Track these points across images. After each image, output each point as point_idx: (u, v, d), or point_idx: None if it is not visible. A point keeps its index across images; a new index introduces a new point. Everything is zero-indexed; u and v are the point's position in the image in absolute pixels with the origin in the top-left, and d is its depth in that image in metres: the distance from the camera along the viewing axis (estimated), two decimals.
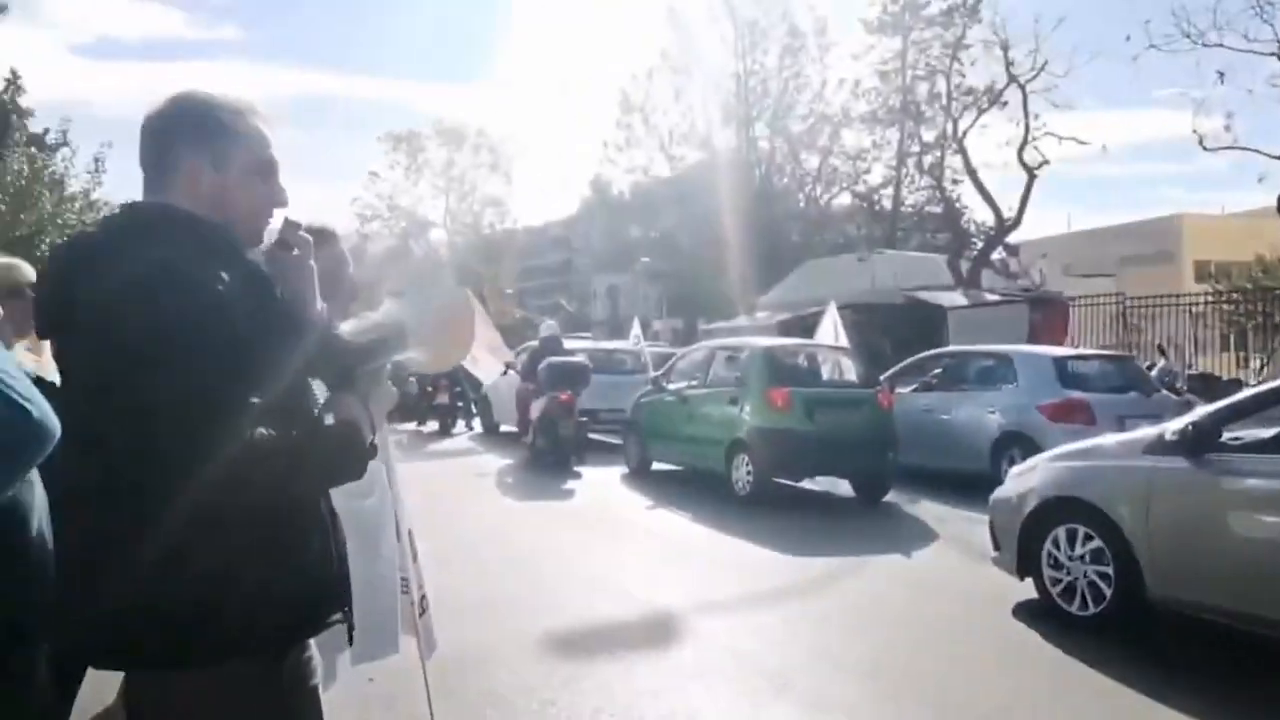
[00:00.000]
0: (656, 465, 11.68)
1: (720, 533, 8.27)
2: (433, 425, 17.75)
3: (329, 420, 1.82)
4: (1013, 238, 24.86)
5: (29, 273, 2.91)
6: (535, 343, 14.47)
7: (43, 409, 1.62)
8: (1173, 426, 5.28)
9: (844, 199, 38.19)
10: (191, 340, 1.55)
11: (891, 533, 8.58)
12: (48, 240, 19.90)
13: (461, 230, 60.43)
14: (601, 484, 11.13)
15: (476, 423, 18.05)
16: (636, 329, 17.40)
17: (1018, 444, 10.01)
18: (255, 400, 1.60)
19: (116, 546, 1.62)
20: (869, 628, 5.52)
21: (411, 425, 18.08)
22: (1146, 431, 5.55)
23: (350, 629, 1.97)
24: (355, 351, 1.91)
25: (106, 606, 1.62)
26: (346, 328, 1.95)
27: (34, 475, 1.90)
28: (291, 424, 1.69)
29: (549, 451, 12.15)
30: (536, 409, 12.40)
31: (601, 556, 7.34)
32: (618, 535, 8.25)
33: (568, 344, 17.76)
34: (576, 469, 11.93)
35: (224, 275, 1.64)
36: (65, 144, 32.26)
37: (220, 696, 1.65)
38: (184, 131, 1.74)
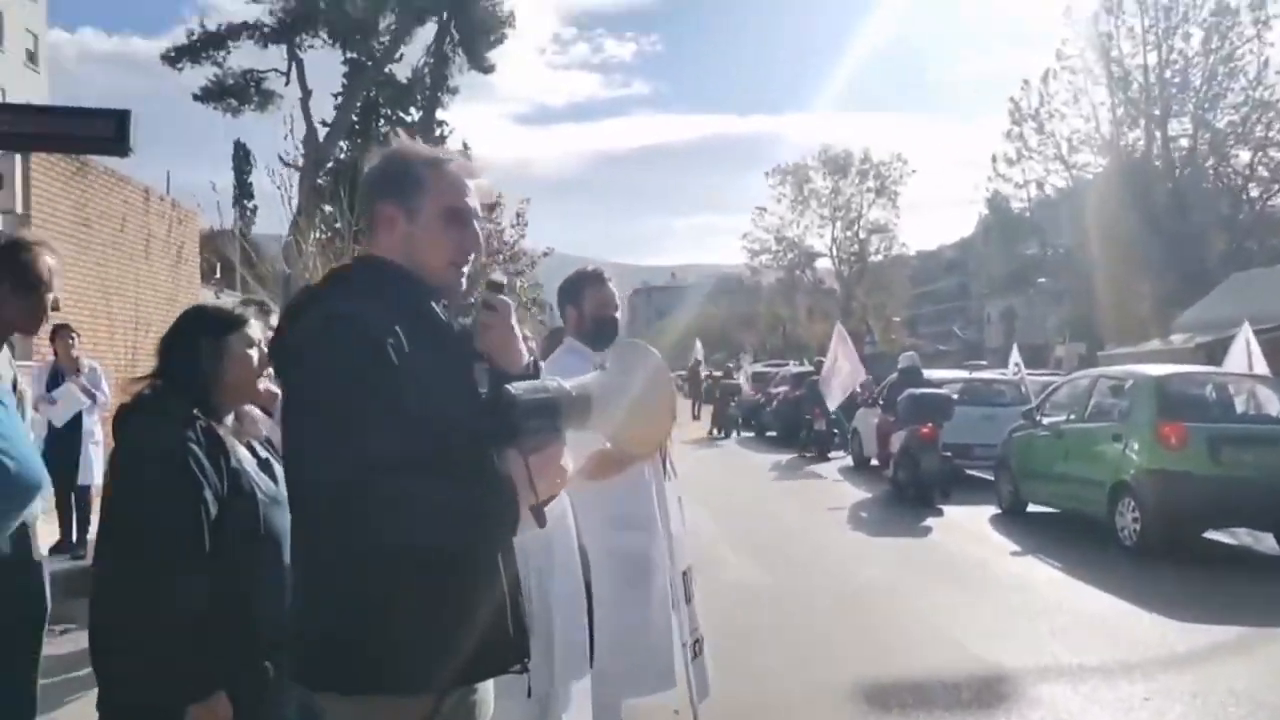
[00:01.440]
0: (1031, 507, 10.65)
1: (1093, 587, 7.32)
2: (810, 451, 17.78)
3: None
4: None
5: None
6: (894, 375, 14.02)
7: (22, 463, 1.84)
8: None
9: None
10: (350, 391, 1.66)
11: None
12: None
13: (847, 259, 60.10)
14: (964, 524, 10.37)
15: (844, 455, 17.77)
16: (1016, 357, 16.09)
17: None
18: (404, 447, 1.68)
19: (292, 577, 1.80)
20: (1261, 714, 4.55)
21: (792, 453, 18.28)
22: None
23: (529, 681, 1.99)
24: (521, 409, 1.91)
25: (287, 631, 1.81)
26: (519, 387, 1.96)
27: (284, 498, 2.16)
28: (458, 474, 1.75)
29: (909, 485, 11.59)
30: (896, 442, 11.93)
31: (943, 603, 6.81)
32: (967, 581, 7.61)
33: (957, 374, 17.06)
34: (940, 506, 11.23)
35: (401, 327, 1.73)
36: (500, 203, 37.30)
37: None
38: (382, 185, 1.88)
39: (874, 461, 15.55)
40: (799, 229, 61.61)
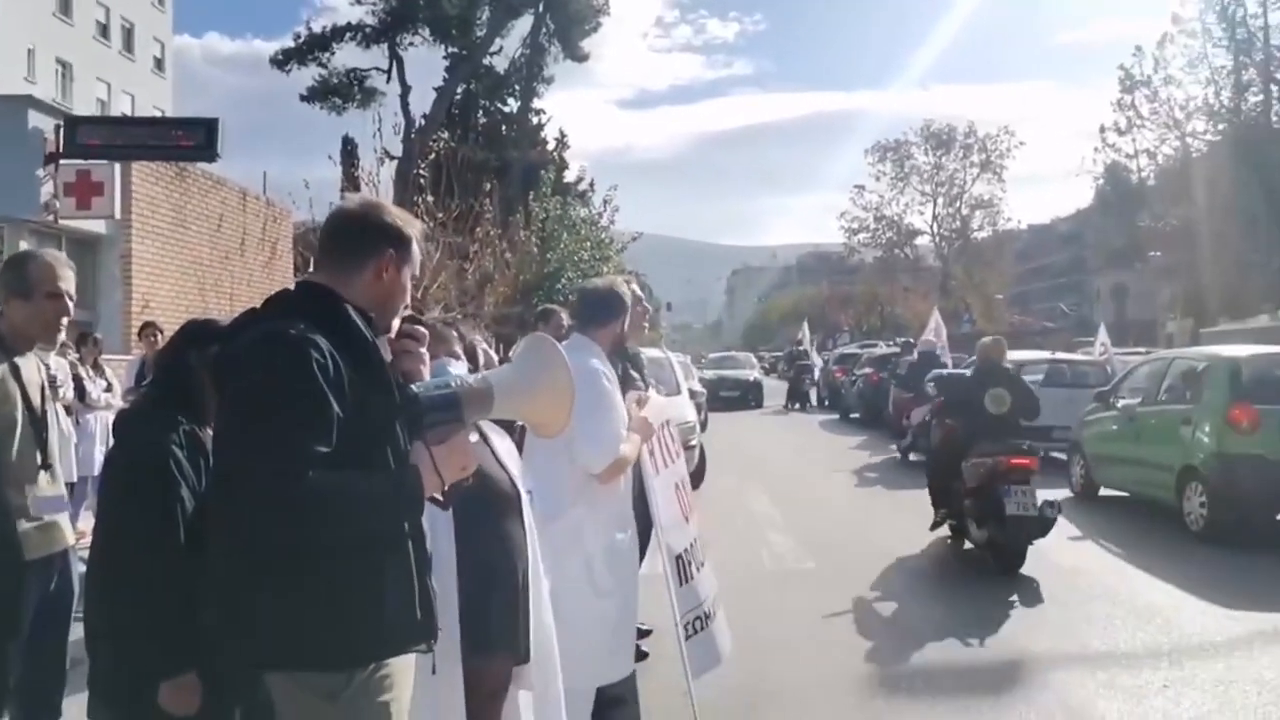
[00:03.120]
0: (1104, 491, 10.41)
1: (1147, 574, 7.19)
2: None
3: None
4: None
5: (69, 277, 2.99)
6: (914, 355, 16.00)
7: None
8: None
9: None
10: (272, 397, 1.90)
11: None
12: (566, 275, 23.51)
13: (948, 236, 58.50)
14: None
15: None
16: (1103, 336, 15.60)
17: None
18: (327, 450, 1.91)
19: (215, 569, 2.06)
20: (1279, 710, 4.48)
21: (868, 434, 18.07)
22: None
23: (434, 661, 2.24)
24: (423, 404, 2.14)
25: (214, 620, 2.08)
26: (422, 385, 2.20)
27: None
28: (372, 467, 2.00)
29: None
30: (918, 415, 12.32)
31: (984, 591, 6.80)
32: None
33: (1040, 355, 16.50)
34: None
35: (333, 347, 1.97)
36: (591, 189, 37.76)
37: (300, 701, 2.00)
38: (384, 236, 2.14)
39: None
40: (899, 206, 60.31)
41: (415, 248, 2.19)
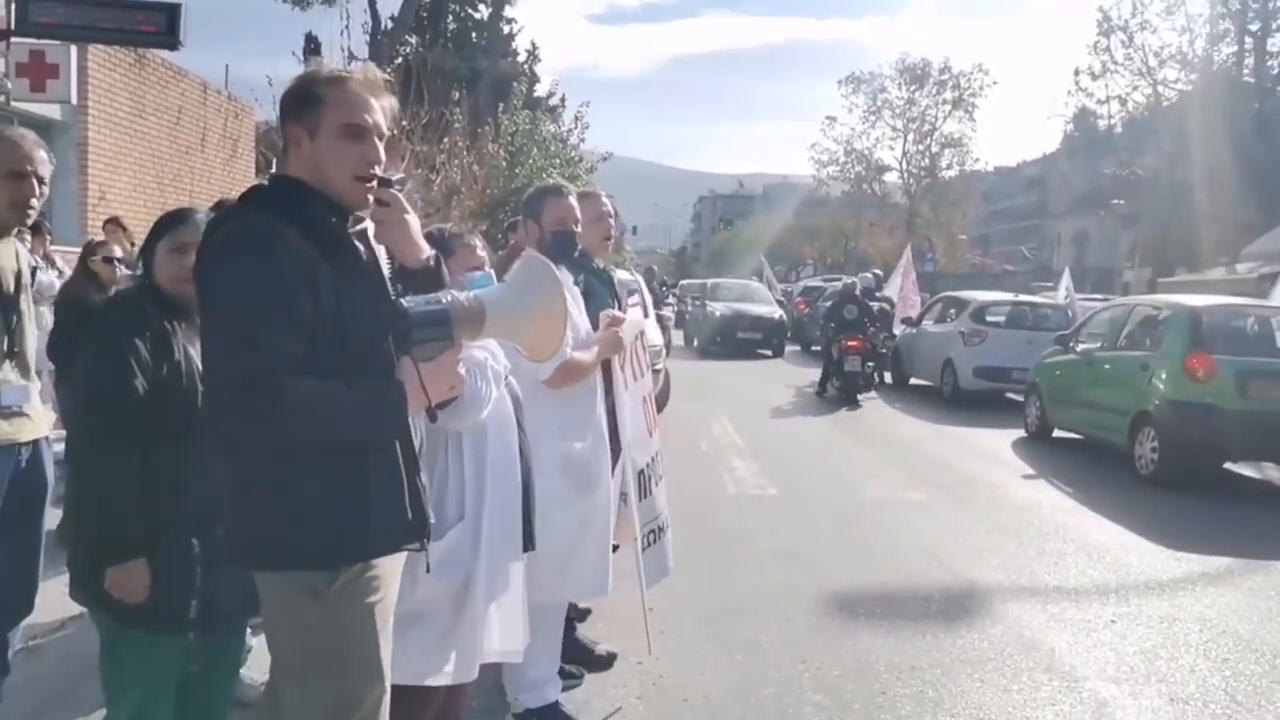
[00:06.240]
0: (1057, 433, 10.64)
1: (1099, 515, 7.39)
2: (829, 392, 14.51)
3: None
4: None
5: (35, 157, 2.82)
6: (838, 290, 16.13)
7: None
8: None
9: None
10: (241, 299, 1.85)
11: None
12: None
13: (917, 174, 58.41)
14: (985, 446, 10.42)
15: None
16: (1067, 281, 15.79)
17: None
18: (304, 351, 1.86)
19: (210, 470, 2.04)
20: (1221, 644, 4.65)
21: None
22: None
23: (427, 559, 2.23)
24: (413, 320, 2.02)
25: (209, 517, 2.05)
26: (413, 300, 2.10)
27: None
28: (353, 377, 1.93)
29: (838, 388, 13.74)
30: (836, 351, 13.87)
31: (941, 522, 6.96)
32: (973, 502, 7.72)
33: (1002, 297, 16.53)
34: (860, 402, 13.45)
35: (304, 240, 1.90)
36: (563, 105, 36.95)
37: (285, 597, 1.99)
38: (288, 106, 2.02)
39: (913, 381, 15.62)
40: (869, 141, 59.94)
41: (334, 96, 1.96)
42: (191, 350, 2.43)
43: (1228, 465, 9.01)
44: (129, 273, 4.07)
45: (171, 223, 2.54)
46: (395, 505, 2.04)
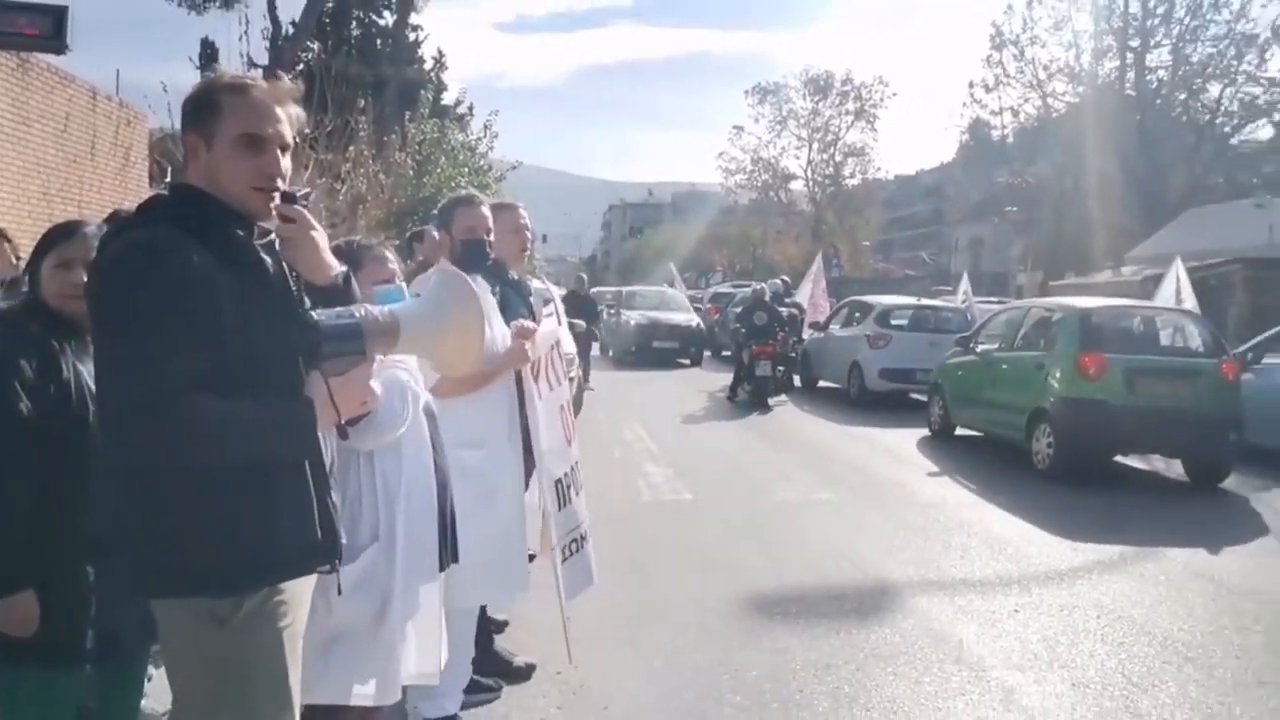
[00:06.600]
0: (960, 431, 11.00)
1: (1000, 509, 7.65)
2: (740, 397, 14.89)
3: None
4: None
5: None
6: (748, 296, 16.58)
7: None
8: None
9: (1266, 133, 32.61)
10: (139, 314, 1.78)
11: (1209, 523, 7.42)
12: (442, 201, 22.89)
13: (821, 182, 59.69)
14: (892, 445, 10.71)
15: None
16: (965, 285, 16.36)
17: None
18: (202, 367, 1.78)
19: (99, 489, 1.95)
20: (1117, 629, 4.87)
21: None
22: None
23: (339, 581, 2.17)
24: (323, 333, 1.96)
25: (103, 543, 1.95)
26: (324, 312, 2.03)
27: None
28: (257, 394, 1.86)
29: (751, 392, 14.02)
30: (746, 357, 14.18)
31: (852, 521, 7.12)
32: (882, 501, 7.93)
33: (905, 300, 16.98)
34: (771, 405, 13.72)
35: (204, 252, 1.83)
36: (471, 114, 36.60)
37: (186, 626, 1.91)
38: (188, 112, 1.95)
39: (821, 384, 15.93)
40: (775, 150, 61.04)
41: (233, 104, 1.90)
42: (82, 369, 2.32)
43: (1118, 458, 9.45)
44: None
45: (59, 236, 2.43)
46: (304, 526, 1.97)
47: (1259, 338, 10.59)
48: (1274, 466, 9.04)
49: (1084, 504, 7.91)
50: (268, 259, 1.97)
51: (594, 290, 32.01)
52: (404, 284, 2.71)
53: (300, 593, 2.04)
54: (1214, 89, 32.59)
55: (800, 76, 60.90)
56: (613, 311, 23.46)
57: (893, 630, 4.76)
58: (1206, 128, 32.71)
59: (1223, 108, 32.39)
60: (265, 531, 1.90)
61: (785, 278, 23.54)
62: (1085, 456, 8.82)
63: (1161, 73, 34.34)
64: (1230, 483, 8.70)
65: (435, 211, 3.55)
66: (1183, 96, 33.42)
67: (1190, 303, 10.88)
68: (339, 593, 2.21)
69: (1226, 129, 33.38)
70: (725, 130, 66.15)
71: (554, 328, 4.11)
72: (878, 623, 4.88)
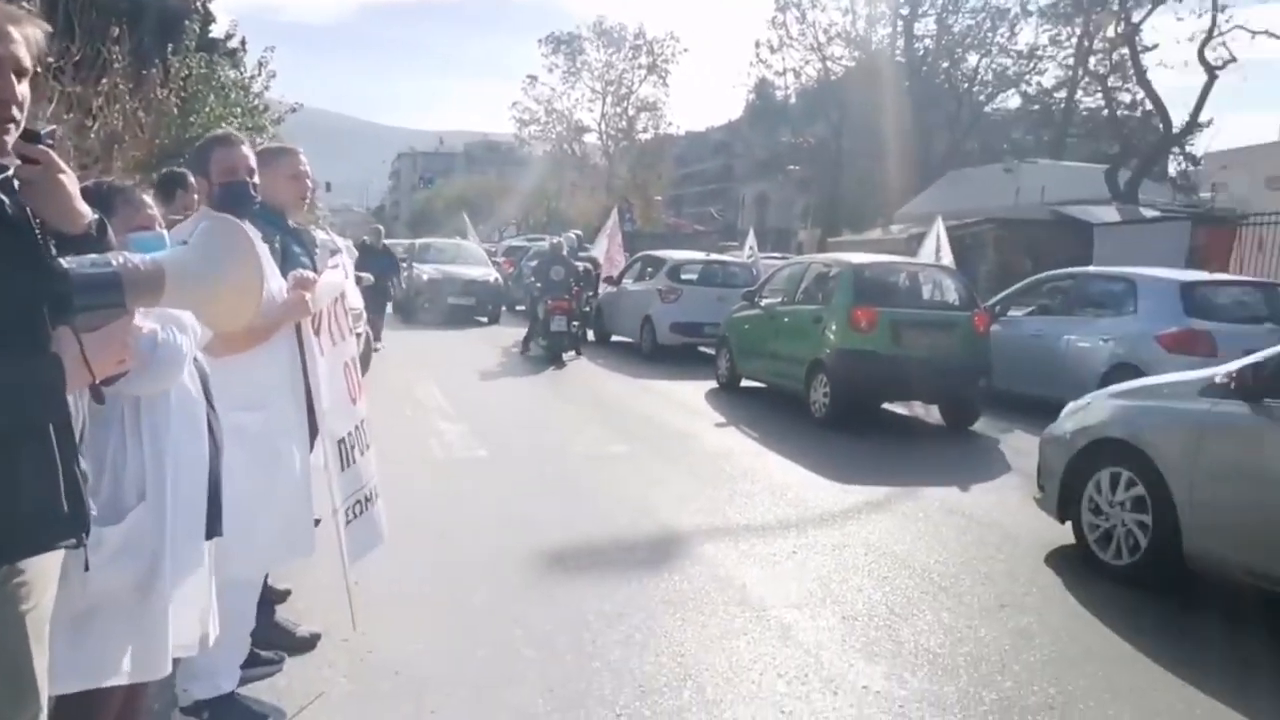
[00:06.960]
0: (745, 383, 11.49)
1: (781, 456, 8.07)
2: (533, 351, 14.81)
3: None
4: (1214, 146, 22.68)
5: None
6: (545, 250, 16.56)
7: None
8: (1229, 368, 4.71)
9: (1014, 102, 35.66)
10: None
11: (961, 463, 8.15)
12: None
13: (615, 136, 60.13)
14: (682, 397, 11.06)
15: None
16: (751, 240, 17.03)
17: (1129, 376, 9.19)
18: None
19: None
20: (882, 565, 5.26)
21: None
22: (1205, 372, 4.97)
23: (86, 556, 1.99)
24: (74, 283, 1.79)
25: None
26: (76, 260, 1.84)
27: None
28: (5, 351, 1.67)
29: (546, 347, 14.05)
30: (541, 310, 14.17)
31: (644, 473, 7.30)
32: (672, 452, 8.18)
33: (694, 255, 17.29)
34: (566, 361, 13.86)
35: None
36: (244, 49, 34.04)
37: None
38: None
39: (615, 338, 16.18)
40: (570, 101, 60.91)
41: None
42: None
43: (885, 405, 10.17)
44: None
45: None
46: (48, 499, 1.79)
47: (1005, 291, 11.66)
48: (1017, 410, 10.00)
49: (855, 449, 8.48)
50: (5, 199, 1.75)
51: (383, 243, 30.86)
52: (165, 232, 2.49)
53: (45, 571, 1.87)
54: (972, 59, 35.36)
55: (594, 28, 60.85)
56: (405, 266, 22.73)
57: (681, 577, 4.93)
58: (965, 95, 35.46)
59: (979, 77, 35.17)
60: (4, 505, 1.72)
61: (579, 231, 23.65)
62: (857, 404, 9.44)
63: (928, 41, 36.83)
64: (980, 425, 9.57)
65: (189, 156, 3.25)
66: (945, 65, 36.01)
67: (948, 259, 11.81)
68: (85, 569, 2.02)
69: (982, 97, 36.26)
70: (520, 80, 65.33)
71: (338, 279, 3.91)
72: (668, 571, 5.04)
